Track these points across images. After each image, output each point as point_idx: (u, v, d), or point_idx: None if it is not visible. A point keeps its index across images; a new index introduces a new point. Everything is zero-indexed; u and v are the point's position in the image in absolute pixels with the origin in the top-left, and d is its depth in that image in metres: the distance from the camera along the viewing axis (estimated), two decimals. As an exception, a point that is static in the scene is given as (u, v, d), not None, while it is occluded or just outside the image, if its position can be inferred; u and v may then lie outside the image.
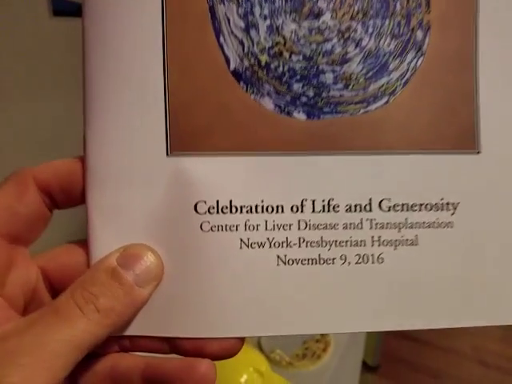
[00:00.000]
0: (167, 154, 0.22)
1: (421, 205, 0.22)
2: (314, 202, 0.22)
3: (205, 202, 0.22)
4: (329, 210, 0.22)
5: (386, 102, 0.22)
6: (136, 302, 0.19)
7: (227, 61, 0.22)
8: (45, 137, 0.74)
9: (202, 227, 0.22)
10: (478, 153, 0.23)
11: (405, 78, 0.22)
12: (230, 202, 0.22)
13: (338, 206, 0.22)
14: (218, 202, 0.22)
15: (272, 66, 0.22)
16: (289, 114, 0.22)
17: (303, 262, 0.22)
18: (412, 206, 0.22)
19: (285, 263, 0.22)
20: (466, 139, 0.23)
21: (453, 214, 0.22)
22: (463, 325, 0.22)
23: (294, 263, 0.22)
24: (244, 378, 0.40)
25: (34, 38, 0.70)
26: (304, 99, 0.22)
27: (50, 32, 0.73)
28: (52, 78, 0.75)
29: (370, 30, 0.22)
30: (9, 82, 0.68)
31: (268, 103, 0.22)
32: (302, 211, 0.22)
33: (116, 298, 0.18)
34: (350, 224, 0.22)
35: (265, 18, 0.22)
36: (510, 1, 0.22)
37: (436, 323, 0.22)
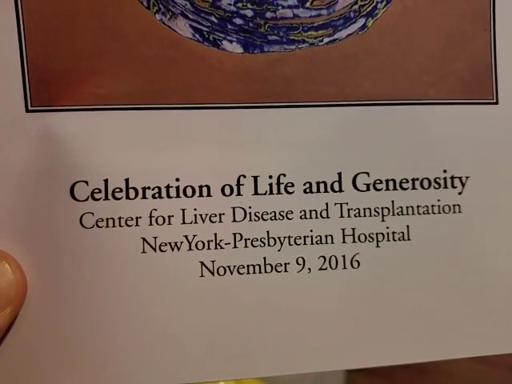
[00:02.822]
0: (27, 110, 0.14)
1: (414, 180, 0.15)
2: (256, 179, 0.15)
3: (86, 183, 0.14)
4: (279, 192, 0.15)
5: (363, 28, 0.15)
6: None
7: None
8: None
9: (83, 221, 0.14)
10: (496, 103, 0.15)
11: (391, -11, 0.15)
12: (126, 181, 0.14)
13: (293, 186, 0.15)
14: (106, 181, 0.14)
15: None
16: (215, 44, 0.14)
17: (241, 271, 0.14)
18: (401, 183, 0.15)
19: (212, 273, 0.14)
20: (479, 83, 0.15)
21: (460, 193, 0.15)
22: (482, 354, 0.15)
23: (227, 272, 0.14)
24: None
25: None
26: (239, 21, 0.14)
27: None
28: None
29: None
30: None
31: (183, 28, 0.14)
32: (238, 193, 0.15)
33: None
34: (311, 211, 0.15)
35: None
36: None
37: (443, 354, 0.15)
